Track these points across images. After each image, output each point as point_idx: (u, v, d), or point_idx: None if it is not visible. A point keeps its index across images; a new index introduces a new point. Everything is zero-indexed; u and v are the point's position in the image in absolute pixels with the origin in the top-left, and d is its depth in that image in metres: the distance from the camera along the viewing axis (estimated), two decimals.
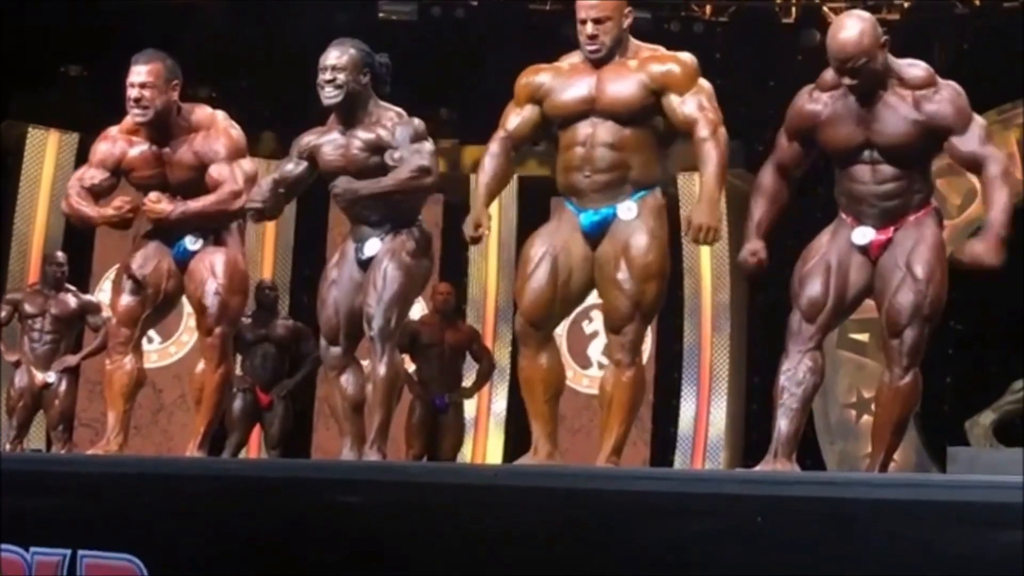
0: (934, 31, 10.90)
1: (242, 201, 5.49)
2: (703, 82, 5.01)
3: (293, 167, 5.55)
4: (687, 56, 5.05)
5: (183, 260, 5.59)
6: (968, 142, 4.84)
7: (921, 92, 4.85)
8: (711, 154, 4.88)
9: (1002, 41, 10.54)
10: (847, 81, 4.79)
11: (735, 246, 11.63)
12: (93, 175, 5.61)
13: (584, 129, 4.97)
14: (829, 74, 4.92)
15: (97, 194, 5.61)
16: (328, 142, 5.46)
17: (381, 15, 11.26)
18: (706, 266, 10.96)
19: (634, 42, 5.07)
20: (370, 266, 5.41)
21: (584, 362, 10.98)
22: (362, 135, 5.41)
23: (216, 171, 5.50)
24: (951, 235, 10.84)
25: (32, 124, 10.78)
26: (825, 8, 11.55)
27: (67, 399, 8.65)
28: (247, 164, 5.60)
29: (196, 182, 5.54)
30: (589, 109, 4.97)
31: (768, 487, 3.45)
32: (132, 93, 5.46)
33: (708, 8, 11.68)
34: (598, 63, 5.02)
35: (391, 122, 5.40)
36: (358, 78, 5.37)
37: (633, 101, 4.94)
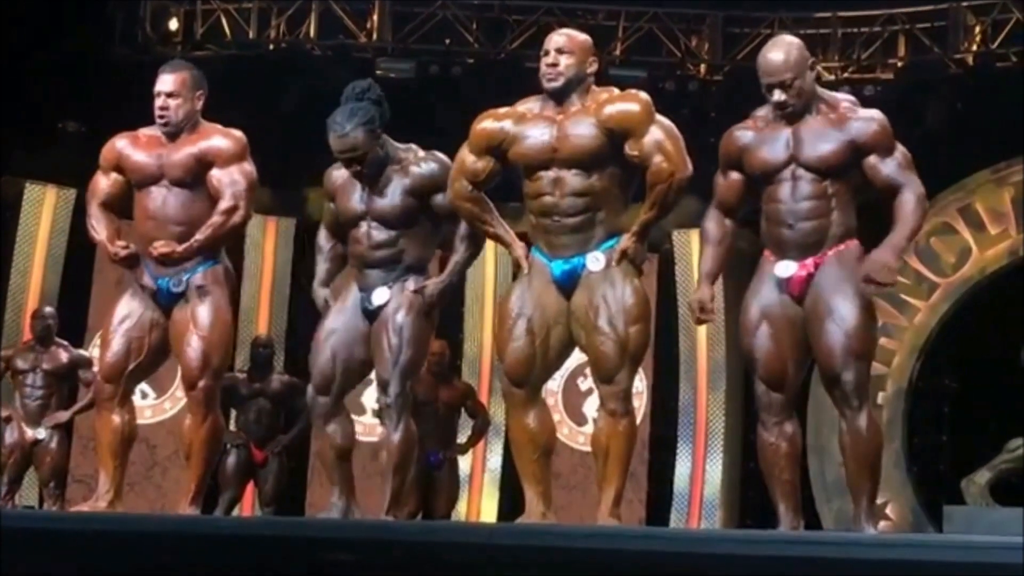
0: (928, 91, 10.97)
1: (241, 214, 5.45)
2: (660, 118, 5.02)
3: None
4: (640, 94, 5.05)
5: (167, 304, 5.52)
6: (888, 165, 4.88)
7: (846, 112, 4.92)
8: (656, 189, 4.94)
9: (996, 100, 10.60)
10: (776, 96, 4.86)
11: (730, 304, 11.68)
12: (105, 185, 5.60)
13: (549, 178, 4.99)
14: (760, 111, 5.01)
15: (113, 203, 5.60)
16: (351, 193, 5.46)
17: (379, 72, 11.34)
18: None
19: (594, 88, 5.08)
20: (379, 322, 5.37)
21: (579, 419, 10.95)
22: (399, 181, 5.38)
23: (216, 177, 5.46)
24: (945, 293, 10.96)
25: (30, 180, 10.81)
26: (820, 68, 11.65)
27: (59, 455, 8.59)
28: (248, 167, 5.53)
29: (194, 178, 5.47)
30: (552, 158, 4.99)
31: (764, 547, 3.44)
32: (158, 102, 5.49)
33: (703, 67, 11.78)
34: (556, 99, 5.01)
35: (415, 165, 5.40)
36: (375, 149, 5.34)
37: (592, 147, 4.96)
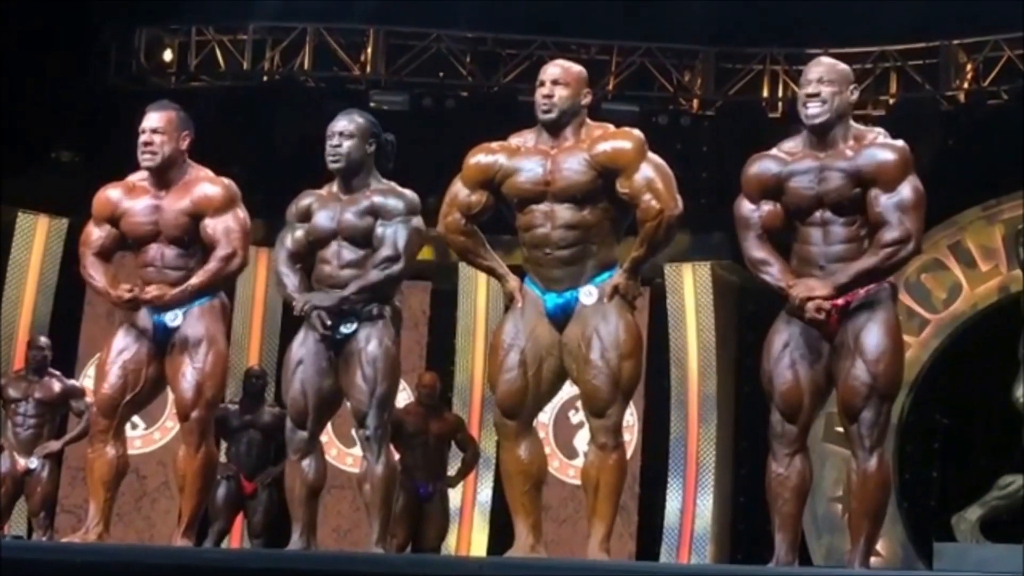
0: (919, 127, 11.00)
1: (238, 262, 5.51)
2: (652, 156, 5.01)
3: (303, 234, 5.56)
4: (634, 132, 5.05)
5: (163, 338, 5.55)
6: (887, 200, 4.72)
7: (867, 142, 4.81)
8: (646, 227, 4.94)
9: (987, 137, 10.66)
10: (809, 101, 4.75)
11: (721, 338, 11.68)
12: (98, 236, 5.65)
13: (542, 211, 5.01)
14: (786, 144, 4.92)
15: (107, 253, 5.64)
16: (323, 209, 5.49)
17: (372, 104, 11.37)
18: (693, 357, 10.95)
19: (589, 123, 5.09)
20: (349, 352, 5.38)
21: (570, 452, 10.93)
22: (357, 204, 5.43)
23: (211, 226, 5.52)
24: (935, 329, 10.97)
25: (22, 209, 10.80)
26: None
27: (49, 485, 8.56)
28: (241, 214, 5.59)
29: (190, 235, 5.53)
30: (544, 191, 5.01)
31: None
32: (143, 138, 5.53)
33: (695, 102, 11.82)
34: (551, 130, 5.02)
35: (382, 195, 5.45)
36: (363, 147, 5.44)
37: (584, 182, 4.97)
